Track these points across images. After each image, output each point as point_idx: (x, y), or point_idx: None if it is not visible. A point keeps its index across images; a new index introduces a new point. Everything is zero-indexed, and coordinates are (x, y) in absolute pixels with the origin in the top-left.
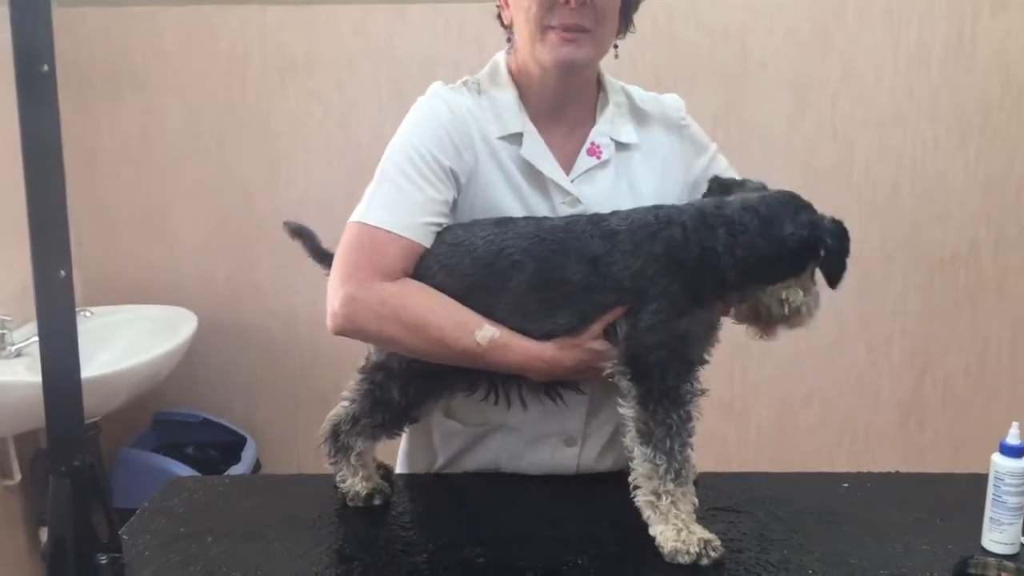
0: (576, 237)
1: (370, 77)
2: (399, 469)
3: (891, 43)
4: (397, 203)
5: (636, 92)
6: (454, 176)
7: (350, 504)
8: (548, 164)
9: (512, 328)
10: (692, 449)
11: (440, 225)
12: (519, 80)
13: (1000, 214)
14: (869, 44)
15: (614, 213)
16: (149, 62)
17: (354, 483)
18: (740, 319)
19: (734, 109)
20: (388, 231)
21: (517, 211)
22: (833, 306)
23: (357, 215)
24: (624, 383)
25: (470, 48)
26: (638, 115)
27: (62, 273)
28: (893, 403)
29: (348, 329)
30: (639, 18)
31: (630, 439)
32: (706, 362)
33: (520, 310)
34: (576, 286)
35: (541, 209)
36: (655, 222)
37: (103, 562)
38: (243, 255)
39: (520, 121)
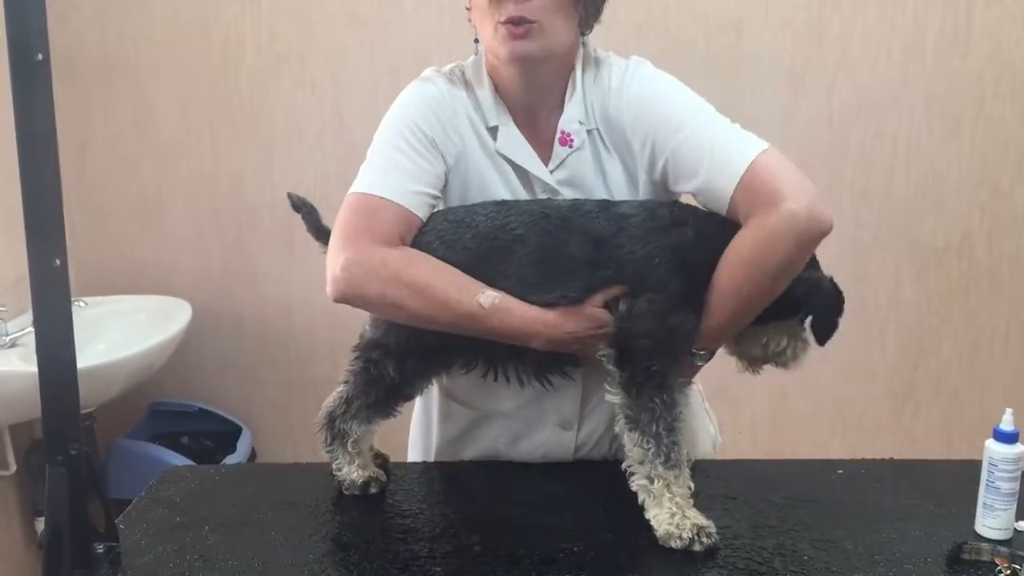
0: (582, 216)
1: (364, 67)
2: (410, 456)
3: (886, 31)
4: (388, 172)
5: (605, 70)
6: (441, 152)
7: (346, 493)
8: (526, 156)
9: (516, 295)
10: (683, 433)
11: (433, 196)
12: (493, 76)
13: (994, 204)
14: (863, 32)
15: (625, 201)
16: (142, 50)
17: (350, 471)
18: (728, 350)
19: (729, 99)
20: (381, 197)
21: (506, 197)
22: None
23: (352, 188)
24: (610, 368)
25: (465, 37)
26: (601, 95)
27: (57, 262)
28: (887, 392)
29: (349, 294)
30: (633, 9)
31: (620, 426)
32: (688, 356)
33: (522, 282)
34: (579, 262)
35: (526, 198)
36: (669, 217)
37: (100, 551)
38: (237, 244)
39: (495, 114)
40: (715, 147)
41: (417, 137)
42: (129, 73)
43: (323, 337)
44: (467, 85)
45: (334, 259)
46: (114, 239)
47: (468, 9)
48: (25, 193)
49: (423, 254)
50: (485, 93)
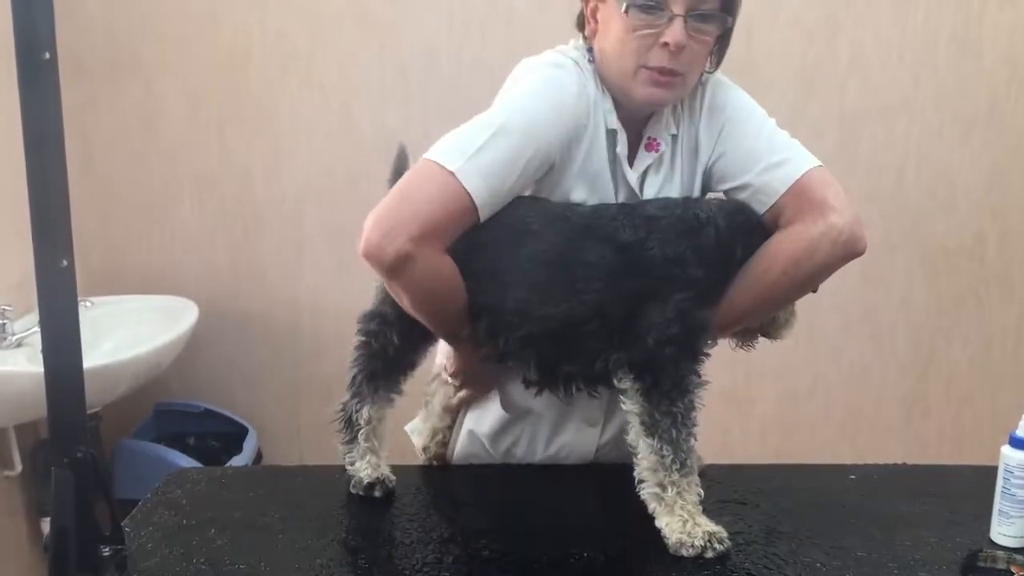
0: (606, 223)
1: (372, 66)
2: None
3: (898, 31)
4: (496, 180)
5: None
6: (550, 168)
7: (352, 491)
8: (625, 164)
9: (518, 300)
10: (696, 440)
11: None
12: (610, 87)
13: (1006, 206)
14: (875, 32)
15: (648, 201)
16: (150, 48)
17: (360, 467)
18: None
19: None
20: (476, 206)
21: (586, 199)
22: (837, 297)
23: (456, 162)
24: (627, 382)
25: (474, 37)
26: (687, 101)
27: (64, 263)
28: (897, 395)
29: (386, 268)
30: None
31: (634, 434)
32: (708, 355)
33: (528, 280)
34: (599, 270)
35: (608, 200)
36: (695, 220)
37: (106, 554)
38: (244, 244)
39: (614, 117)
40: (774, 149)
41: (540, 156)
42: (136, 72)
43: (331, 337)
44: (596, 84)
45: (406, 233)
46: (121, 238)
47: (588, 22)
48: (32, 193)
49: (458, 278)
50: (608, 106)
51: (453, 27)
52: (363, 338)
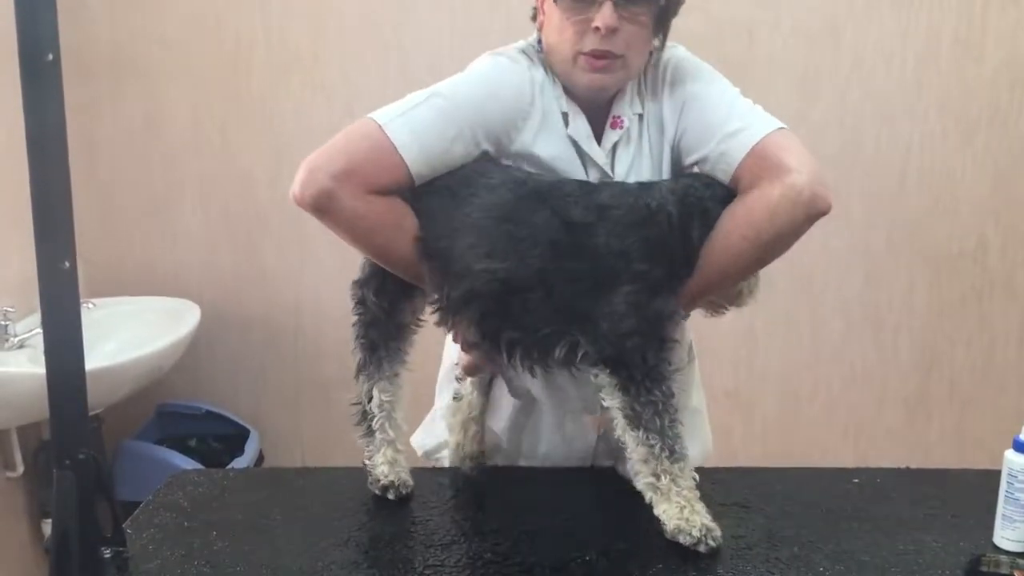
0: (560, 197)
1: (375, 68)
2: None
3: (900, 35)
4: (427, 137)
5: (653, 55)
6: (495, 145)
7: (369, 488)
8: (589, 143)
9: (463, 247)
10: (682, 425)
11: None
12: (560, 77)
13: (1008, 210)
14: (878, 36)
15: (606, 186)
16: (153, 51)
17: (376, 463)
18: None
19: None
20: (404, 158)
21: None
22: (840, 299)
23: (386, 117)
24: (603, 378)
25: (475, 39)
26: (649, 78)
27: (66, 265)
28: (899, 398)
29: (309, 206)
30: None
31: (621, 429)
32: (677, 341)
33: (477, 228)
34: (543, 235)
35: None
36: (646, 210)
37: (107, 556)
38: (247, 246)
39: (565, 101)
40: (732, 116)
41: (472, 129)
42: (139, 73)
43: (332, 339)
44: (545, 70)
45: (326, 172)
46: (123, 240)
47: (538, 15)
48: (34, 194)
49: (398, 218)
50: (558, 92)
51: (455, 28)
52: (356, 311)
